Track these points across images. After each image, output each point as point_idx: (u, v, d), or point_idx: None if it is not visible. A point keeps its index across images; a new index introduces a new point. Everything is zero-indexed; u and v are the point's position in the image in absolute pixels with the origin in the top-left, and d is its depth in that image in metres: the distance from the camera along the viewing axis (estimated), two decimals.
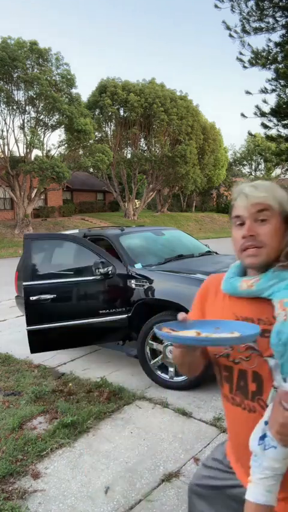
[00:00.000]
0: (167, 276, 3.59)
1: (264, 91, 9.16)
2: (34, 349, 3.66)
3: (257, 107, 9.34)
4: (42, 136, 19.89)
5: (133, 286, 3.69)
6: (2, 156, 18.83)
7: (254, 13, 8.71)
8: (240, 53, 9.09)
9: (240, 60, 9.14)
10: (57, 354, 4.32)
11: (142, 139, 26.55)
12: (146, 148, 26.87)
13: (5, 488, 2.21)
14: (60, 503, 2.11)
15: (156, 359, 3.46)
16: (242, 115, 9.61)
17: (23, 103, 18.85)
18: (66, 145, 21.14)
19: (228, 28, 8.98)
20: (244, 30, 8.90)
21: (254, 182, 0.94)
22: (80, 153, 21.85)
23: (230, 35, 9.02)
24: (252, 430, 0.85)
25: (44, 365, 4.05)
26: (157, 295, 3.48)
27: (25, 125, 19.27)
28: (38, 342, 3.64)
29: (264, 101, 9.48)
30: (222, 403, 1.03)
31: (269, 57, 8.90)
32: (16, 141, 23.87)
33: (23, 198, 19.65)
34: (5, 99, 18.10)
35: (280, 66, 8.65)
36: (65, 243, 4.19)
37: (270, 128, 9.61)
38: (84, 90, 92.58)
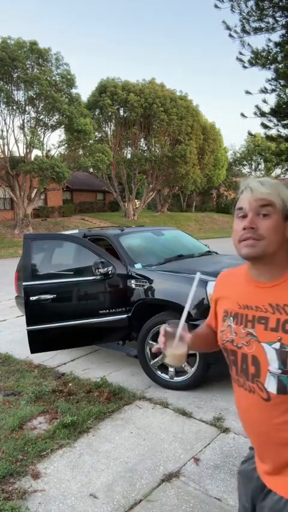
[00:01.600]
0: (167, 276, 3.59)
1: (264, 91, 9.15)
2: (34, 349, 3.66)
3: (257, 106, 9.33)
4: (42, 137, 19.90)
5: (133, 286, 3.69)
6: (2, 156, 18.82)
7: (253, 13, 8.70)
8: (240, 53, 9.08)
9: (240, 60, 9.12)
10: (57, 354, 4.32)
11: (142, 139, 26.54)
12: (146, 148, 26.86)
13: (5, 488, 2.21)
14: (60, 503, 2.11)
15: (157, 359, 3.46)
16: (242, 115, 9.60)
17: (23, 103, 18.85)
18: (66, 145, 21.14)
19: (228, 28, 8.97)
20: (244, 30, 8.89)
21: (261, 178, 0.98)
22: (80, 153, 21.85)
23: (230, 35, 9.01)
24: (253, 409, 0.98)
25: (44, 365, 4.05)
26: (157, 295, 3.48)
27: (25, 125, 19.27)
28: (38, 342, 3.64)
29: (264, 101, 9.45)
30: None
31: (269, 57, 8.88)
32: (16, 141, 23.86)
33: (23, 198, 19.65)
34: (5, 99, 18.09)
35: (280, 66, 8.64)
36: (64, 243, 4.19)
37: (270, 128, 9.60)
38: (84, 90, 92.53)
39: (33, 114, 19.41)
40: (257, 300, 0.99)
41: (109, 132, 25.99)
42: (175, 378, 3.39)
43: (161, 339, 1.08)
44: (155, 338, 3.47)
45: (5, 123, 18.87)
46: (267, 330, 0.95)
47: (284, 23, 8.68)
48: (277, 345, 0.92)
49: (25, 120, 19.33)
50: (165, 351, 1.09)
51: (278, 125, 9.53)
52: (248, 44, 8.94)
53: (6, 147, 19.04)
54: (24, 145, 19.21)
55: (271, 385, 0.93)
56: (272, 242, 0.94)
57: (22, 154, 19.51)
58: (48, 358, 4.21)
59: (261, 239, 0.94)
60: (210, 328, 1.25)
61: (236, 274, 1.13)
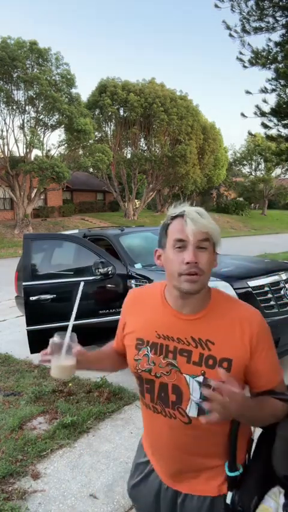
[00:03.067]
0: None
1: (264, 91, 9.14)
2: (34, 349, 3.66)
3: (257, 106, 9.33)
4: (42, 136, 19.88)
5: (133, 286, 3.69)
6: (2, 156, 18.81)
7: (254, 13, 8.69)
8: (240, 53, 9.07)
9: (240, 59, 9.11)
10: None
11: (142, 139, 26.53)
12: (146, 148, 26.85)
13: (5, 488, 2.21)
14: (60, 503, 2.11)
15: None
16: (242, 115, 9.59)
17: (23, 103, 18.84)
18: (66, 145, 21.12)
19: (228, 28, 8.96)
20: (244, 30, 8.88)
21: (196, 208, 0.97)
22: (80, 153, 21.83)
23: (230, 35, 9.00)
24: (172, 433, 1.01)
25: (44, 365, 4.04)
26: None
27: (25, 124, 19.25)
28: (38, 342, 3.63)
29: (264, 101, 9.45)
30: (141, 412, 1.14)
31: (269, 57, 8.88)
32: (16, 141, 23.82)
33: (23, 198, 19.64)
34: (4, 99, 18.08)
35: (280, 65, 8.63)
36: (64, 243, 4.19)
37: (271, 127, 9.59)
38: (84, 90, 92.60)
39: (33, 114, 19.40)
40: (179, 332, 0.99)
41: (109, 132, 25.98)
42: None
43: (47, 350, 1.01)
44: None
45: (5, 123, 18.87)
46: (190, 363, 0.96)
47: (284, 22, 8.67)
48: (200, 379, 0.95)
49: (25, 120, 19.33)
50: (51, 363, 1.01)
51: (278, 125, 9.52)
52: (248, 44, 8.94)
53: (6, 147, 19.04)
54: (24, 145, 19.21)
55: (192, 411, 0.97)
56: (208, 276, 0.96)
57: (22, 154, 19.49)
58: None
59: (202, 274, 0.94)
60: (115, 350, 1.23)
61: (149, 296, 1.10)
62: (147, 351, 1.02)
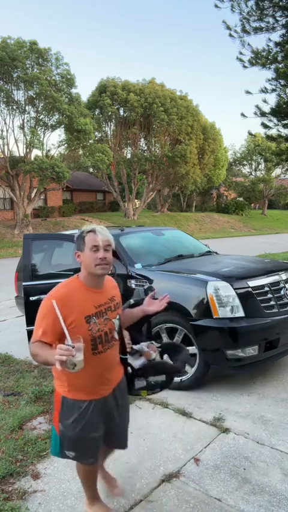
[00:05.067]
0: (167, 276, 3.59)
1: (264, 91, 9.13)
2: None
3: (257, 106, 9.32)
4: (42, 136, 19.87)
5: (133, 286, 3.69)
6: (2, 156, 18.80)
7: (254, 13, 8.68)
8: (240, 53, 9.07)
9: (240, 60, 9.11)
10: None
11: (142, 139, 26.53)
12: (146, 148, 26.85)
13: (5, 488, 2.21)
14: (60, 503, 2.11)
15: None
16: (242, 115, 9.59)
17: (23, 103, 18.82)
18: (66, 145, 21.11)
19: (228, 28, 8.95)
20: (244, 30, 8.88)
21: (100, 226, 1.72)
22: (80, 153, 21.82)
23: (230, 35, 8.99)
24: (113, 356, 1.81)
25: (44, 365, 4.04)
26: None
27: (25, 124, 19.24)
28: None
29: (265, 101, 9.45)
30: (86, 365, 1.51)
31: (269, 57, 8.88)
32: (16, 141, 23.87)
33: (23, 198, 19.63)
34: (4, 99, 18.07)
35: (280, 65, 8.62)
36: (64, 243, 4.19)
37: (271, 127, 9.59)
38: (84, 90, 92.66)
39: (33, 114, 19.38)
40: (103, 299, 1.76)
41: (109, 132, 25.98)
42: (175, 378, 3.38)
43: (63, 357, 1.38)
44: (155, 338, 3.46)
45: (5, 123, 18.84)
46: (112, 312, 1.78)
47: (284, 22, 8.67)
48: (118, 317, 1.82)
49: (25, 120, 19.30)
50: (74, 361, 1.41)
51: (278, 125, 9.53)
52: (248, 44, 8.93)
53: (6, 147, 19.03)
54: (24, 145, 19.18)
55: (115, 335, 1.80)
56: (110, 265, 1.72)
57: (22, 154, 19.48)
58: None
59: (108, 264, 1.69)
60: (49, 345, 1.61)
61: (71, 291, 1.68)
62: (94, 320, 1.69)
